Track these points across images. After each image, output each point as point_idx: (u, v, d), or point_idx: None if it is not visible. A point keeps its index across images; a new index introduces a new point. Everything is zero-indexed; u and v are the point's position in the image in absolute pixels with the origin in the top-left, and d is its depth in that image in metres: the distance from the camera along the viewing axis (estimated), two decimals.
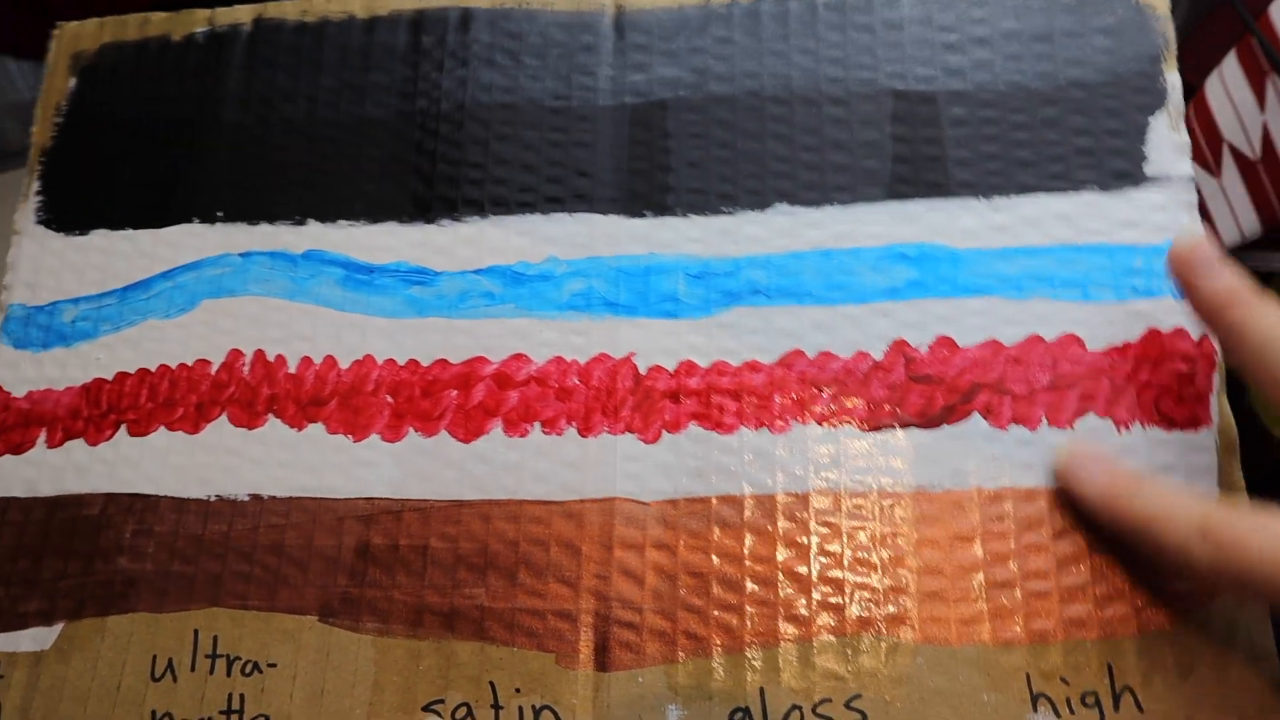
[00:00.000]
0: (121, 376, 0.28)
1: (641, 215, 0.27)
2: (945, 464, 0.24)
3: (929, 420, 0.24)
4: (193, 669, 0.25)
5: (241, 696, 0.25)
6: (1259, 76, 0.38)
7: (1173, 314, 0.24)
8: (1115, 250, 0.24)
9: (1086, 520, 0.23)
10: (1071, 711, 0.22)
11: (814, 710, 0.22)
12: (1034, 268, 0.25)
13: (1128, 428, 0.23)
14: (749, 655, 0.23)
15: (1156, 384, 0.23)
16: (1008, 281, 0.25)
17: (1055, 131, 0.25)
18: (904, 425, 0.24)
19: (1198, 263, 0.22)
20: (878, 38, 0.27)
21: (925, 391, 0.24)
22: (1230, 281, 0.21)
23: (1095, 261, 0.24)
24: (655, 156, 0.27)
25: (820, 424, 0.24)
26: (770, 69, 0.27)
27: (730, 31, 0.28)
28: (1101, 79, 0.25)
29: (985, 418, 0.24)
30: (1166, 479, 0.23)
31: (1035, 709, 0.22)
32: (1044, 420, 0.24)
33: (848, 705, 0.22)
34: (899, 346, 0.25)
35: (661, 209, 0.27)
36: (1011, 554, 0.23)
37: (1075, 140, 0.25)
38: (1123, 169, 0.25)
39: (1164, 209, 0.24)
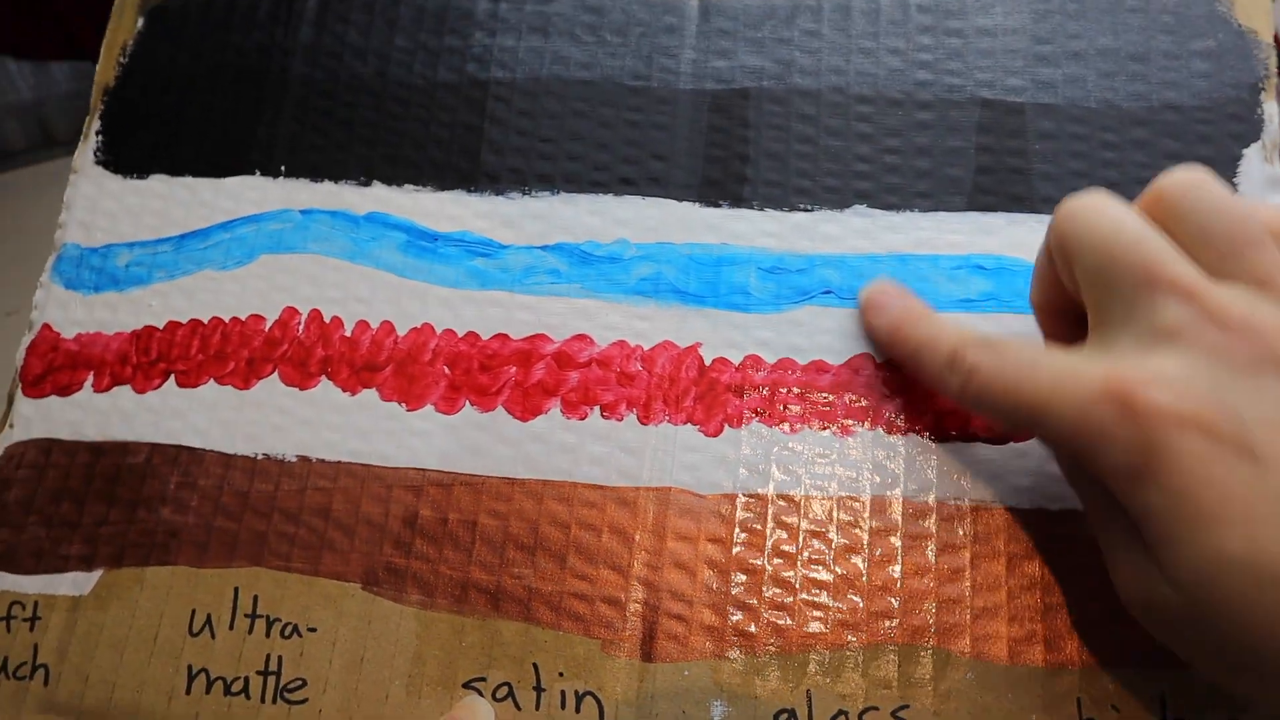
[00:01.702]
0: (173, 325, 0.28)
1: (716, 204, 0.26)
2: (1007, 481, 0.24)
3: (995, 436, 0.24)
4: (231, 627, 0.25)
5: (280, 658, 0.24)
6: None
7: None
8: None
9: None
10: None
11: (859, 717, 0.22)
12: None
13: None
14: (798, 657, 0.23)
15: None
16: None
17: (1145, 154, 0.25)
18: (969, 439, 0.24)
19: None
20: (969, 43, 0.26)
21: None
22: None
23: None
24: (734, 145, 0.27)
25: (887, 431, 0.24)
26: (858, 66, 0.27)
27: (819, 24, 0.27)
28: (1197, 104, 0.25)
29: None
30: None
31: None
32: None
33: (894, 715, 0.22)
34: None
35: (737, 200, 0.26)
36: (1070, 576, 0.23)
37: (1165, 164, 0.25)
38: None
39: None
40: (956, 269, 0.25)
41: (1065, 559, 0.23)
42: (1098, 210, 0.20)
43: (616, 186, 0.27)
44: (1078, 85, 0.26)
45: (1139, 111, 0.25)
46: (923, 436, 0.24)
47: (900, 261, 0.25)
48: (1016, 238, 0.25)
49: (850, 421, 0.24)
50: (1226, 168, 0.25)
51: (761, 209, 0.26)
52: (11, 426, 0.28)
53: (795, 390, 0.25)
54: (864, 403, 0.24)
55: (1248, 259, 0.18)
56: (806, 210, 0.26)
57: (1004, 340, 0.21)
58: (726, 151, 0.27)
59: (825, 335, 0.25)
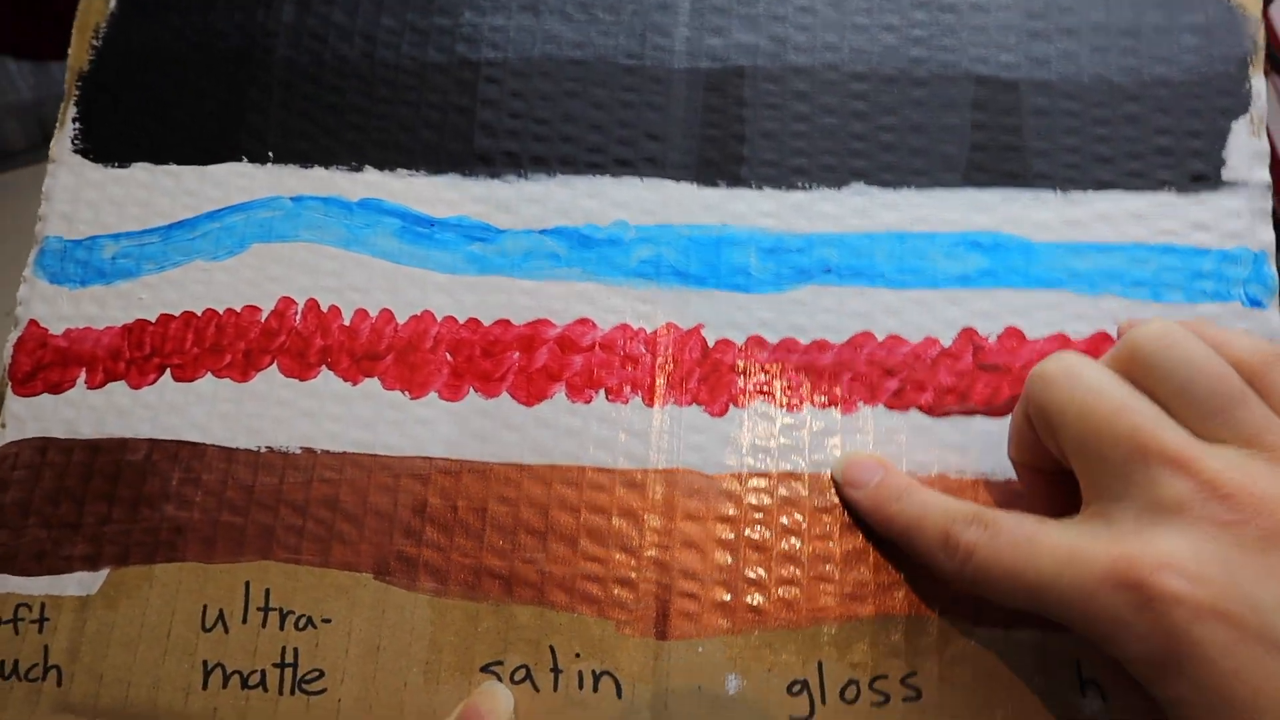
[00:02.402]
0: (165, 319, 0.27)
1: (714, 184, 0.26)
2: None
3: (994, 409, 0.24)
4: (244, 621, 0.25)
5: (295, 650, 0.24)
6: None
7: (1240, 319, 0.24)
8: (1187, 252, 0.25)
9: None
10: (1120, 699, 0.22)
11: (870, 686, 0.23)
12: (1106, 264, 0.25)
13: None
14: (809, 630, 0.23)
15: None
16: (1079, 277, 0.25)
17: (1136, 129, 0.25)
18: (969, 413, 0.25)
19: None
20: (963, 19, 0.27)
21: (992, 381, 0.25)
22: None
23: (1166, 262, 0.25)
24: (730, 125, 0.27)
25: (889, 407, 0.25)
26: (852, 43, 0.27)
27: (812, 1, 0.27)
28: (1186, 78, 0.26)
29: None
30: (929, 487, 0.23)
31: (1084, 694, 0.23)
32: None
33: (903, 682, 0.23)
34: (968, 334, 0.25)
35: (735, 179, 0.26)
36: None
37: (1155, 139, 0.25)
38: (1200, 171, 0.25)
39: (1238, 215, 0.25)
40: (954, 246, 0.25)
41: None
42: (1074, 376, 0.19)
43: (613, 168, 0.27)
44: (1071, 61, 0.26)
45: (1130, 86, 0.26)
46: (925, 411, 0.25)
47: (898, 240, 0.26)
48: (1012, 214, 0.25)
49: (853, 398, 0.25)
50: (1214, 141, 0.25)
51: (759, 188, 0.26)
52: (3, 426, 0.27)
53: (798, 369, 0.25)
54: (866, 380, 0.25)
55: (1234, 418, 0.18)
56: (804, 189, 0.26)
57: (996, 516, 0.20)
58: (723, 131, 0.27)
59: (826, 314, 0.25)
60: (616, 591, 0.24)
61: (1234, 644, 0.17)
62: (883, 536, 0.23)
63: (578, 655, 0.24)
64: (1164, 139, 0.25)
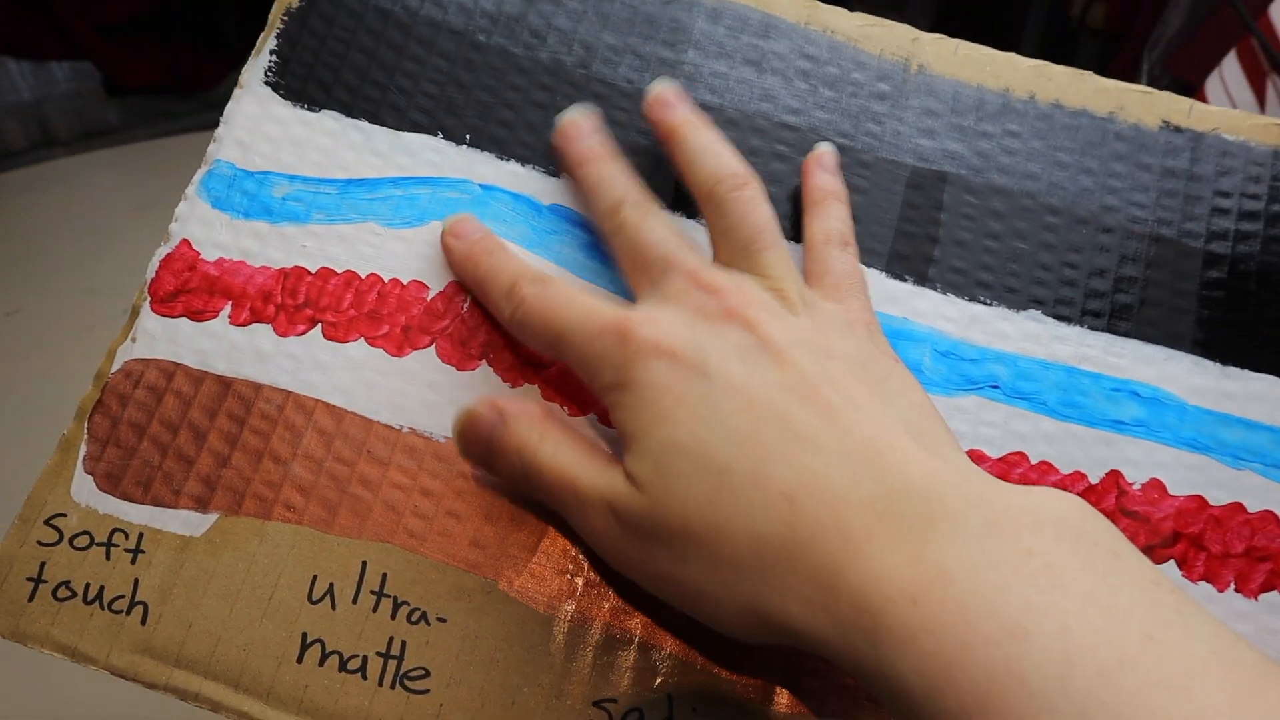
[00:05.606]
0: (326, 273, 0.26)
1: (901, 279, 0.27)
2: None
3: None
4: (354, 601, 0.24)
5: (403, 643, 0.23)
6: (1259, 76, 0.40)
7: None
8: None
9: None
10: None
11: None
12: (1251, 441, 0.26)
13: None
14: None
15: None
16: (1225, 446, 0.26)
17: None
18: None
19: (569, 134, 0.26)
20: (1157, 182, 0.28)
21: (1130, 526, 0.25)
22: (588, 145, 0.26)
23: None
24: (926, 226, 0.27)
25: None
26: (1051, 177, 0.28)
27: (1021, 127, 0.28)
28: None
29: (1179, 566, 0.25)
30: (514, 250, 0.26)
31: None
32: (1232, 584, 0.25)
33: None
34: (1114, 477, 0.26)
35: (921, 278, 0.27)
36: None
37: None
38: None
39: None
40: (1115, 391, 0.26)
41: None
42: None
43: None
44: (1247, 243, 0.28)
45: None
46: None
47: (1066, 373, 0.26)
48: (1173, 373, 0.27)
49: None
50: None
51: (944, 293, 0.27)
52: (134, 340, 0.26)
53: None
54: None
55: (753, 258, 0.24)
56: (985, 304, 0.27)
57: (555, 279, 0.24)
58: (918, 229, 0.27)
59: (987, 428, 0.26)
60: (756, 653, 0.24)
61: (671, 372, 0.21)
62: (464, 285, 0.26)
63: (695, 710, 0.23)
64: None
